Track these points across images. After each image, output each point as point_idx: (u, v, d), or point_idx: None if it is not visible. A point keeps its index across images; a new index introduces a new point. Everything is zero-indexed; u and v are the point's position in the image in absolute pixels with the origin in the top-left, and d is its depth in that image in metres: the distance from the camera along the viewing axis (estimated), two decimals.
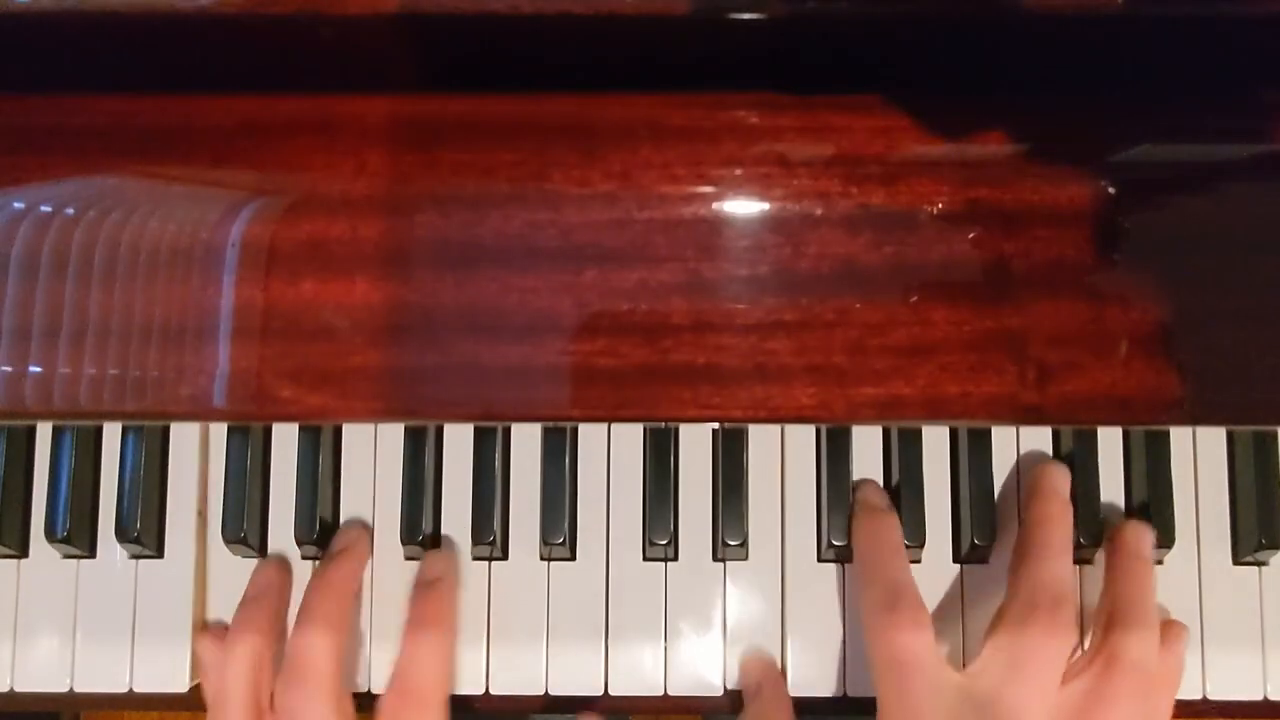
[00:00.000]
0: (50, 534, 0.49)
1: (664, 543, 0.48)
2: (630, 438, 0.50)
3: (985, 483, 0.49)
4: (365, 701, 0.49)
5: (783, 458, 0.50)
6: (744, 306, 0.40)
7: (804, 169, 0.40)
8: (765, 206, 0.40)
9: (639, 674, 0.49)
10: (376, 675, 0.49)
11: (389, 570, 0.49)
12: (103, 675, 0.49)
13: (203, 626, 0.50)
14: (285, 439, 0.50)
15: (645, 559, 0.49)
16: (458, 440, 0.50)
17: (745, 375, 0.40)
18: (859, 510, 0.48)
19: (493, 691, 0.49)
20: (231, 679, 0.45)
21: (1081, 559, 0.49)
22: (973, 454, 0.49)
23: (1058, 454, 0.50)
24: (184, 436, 0.50)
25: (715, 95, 0.41)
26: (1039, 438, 0.50)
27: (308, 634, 0.45)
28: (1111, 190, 0.40)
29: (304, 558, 0.50)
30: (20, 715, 0.54)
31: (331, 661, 0.44)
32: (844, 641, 0.49)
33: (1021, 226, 0.40)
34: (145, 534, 0.48)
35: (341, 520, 0.50)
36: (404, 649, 0.46)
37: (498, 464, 0.49)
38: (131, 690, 0.49)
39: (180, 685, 0.49)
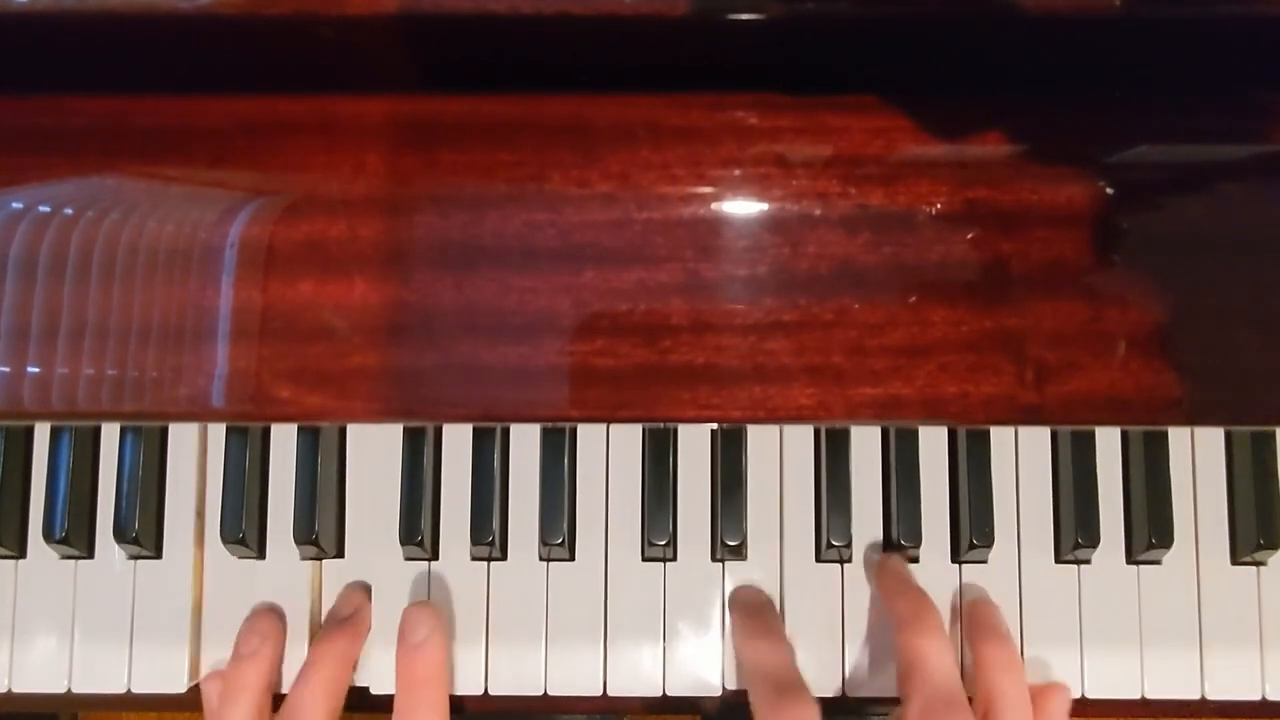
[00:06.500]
0: (48, 534, 0.49)
1: (663, 543, 0.48)
2: (629, 438, 0.50)
3: (984, 483, 0.49)
4: (364, 698, 0.49)
5: (781, 458, 0.50)
6: (743, 307, 0.40)
7: (802, 169, 0.40)
8: (764, 207, 0.40)
9: (638, 674, 0.49)
10: (377, 675, 0.49)
11: (388, 570, 0.49)
12: (101, 676, 0.49)
13: (198, 633, 0.50)
14: (284, 439, 0.50)
15: (644, 559, 0.49)
16: (456, 441, 0.50)
17: (744, 376, 0.40)
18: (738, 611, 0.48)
19: (491, 692, 0.49)
20: None
21: (1079, 560, 0.49)
22: (971, 454, 0.49)
23: (1056, 454, 0.50)
24: (182, 437, 0.50)
25: (714, 96, 0.41)
26: (1038, 438, 0.50)
27: (307, 692, 0.45)
28: (1110, 191, 0.40)
29: (303, 558, 0.50)
30: (18, 716, 0.54)
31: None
32: (843, 642, 0.49)
33: (1020, 227, 0.40)
34: (144, 535, 0.48)
35: (340, 522, 0.50)
36: (399, 712, 0.45)
37: (496, 464, 0.49)
38: (129, 691, 0.49)
39: (178, 686, 0.49)
